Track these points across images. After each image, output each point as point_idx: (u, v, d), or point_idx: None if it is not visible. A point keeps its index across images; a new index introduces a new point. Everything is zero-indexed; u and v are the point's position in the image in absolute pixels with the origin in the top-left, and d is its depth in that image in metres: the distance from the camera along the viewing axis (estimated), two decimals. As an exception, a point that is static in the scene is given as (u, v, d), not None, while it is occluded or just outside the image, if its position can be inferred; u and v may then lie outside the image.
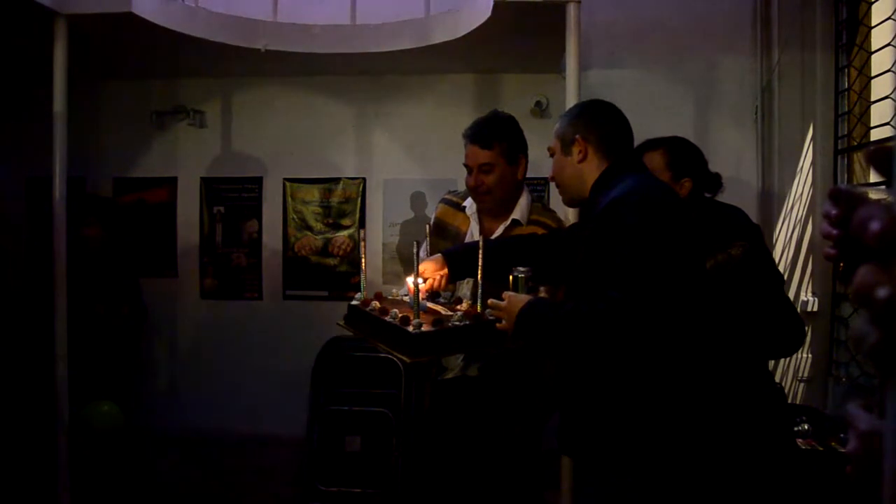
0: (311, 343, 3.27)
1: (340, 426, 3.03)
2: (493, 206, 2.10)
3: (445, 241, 2.14)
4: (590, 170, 1.61)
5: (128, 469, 2.95)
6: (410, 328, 1.54)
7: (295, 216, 3.56)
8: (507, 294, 1.57)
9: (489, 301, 1.58)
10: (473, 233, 2.14)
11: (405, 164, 3.50)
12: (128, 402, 2.91)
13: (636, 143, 2.90)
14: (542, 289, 1.61)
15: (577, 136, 1.62)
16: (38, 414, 2.63)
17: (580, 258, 1.56)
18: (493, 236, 2.08)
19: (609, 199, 1.48)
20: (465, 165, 2.09)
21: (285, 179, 3.56)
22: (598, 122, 1.64)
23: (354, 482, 2.97)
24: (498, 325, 1.57)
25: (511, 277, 1.62)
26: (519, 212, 2.10)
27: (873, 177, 2.56)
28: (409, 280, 1.70)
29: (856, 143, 2.76)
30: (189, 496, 3.28)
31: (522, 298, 1.52)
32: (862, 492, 0.42)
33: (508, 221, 2.10)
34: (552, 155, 1.71)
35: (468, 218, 2.17)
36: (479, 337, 1.66)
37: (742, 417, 1.70)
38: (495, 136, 2.07)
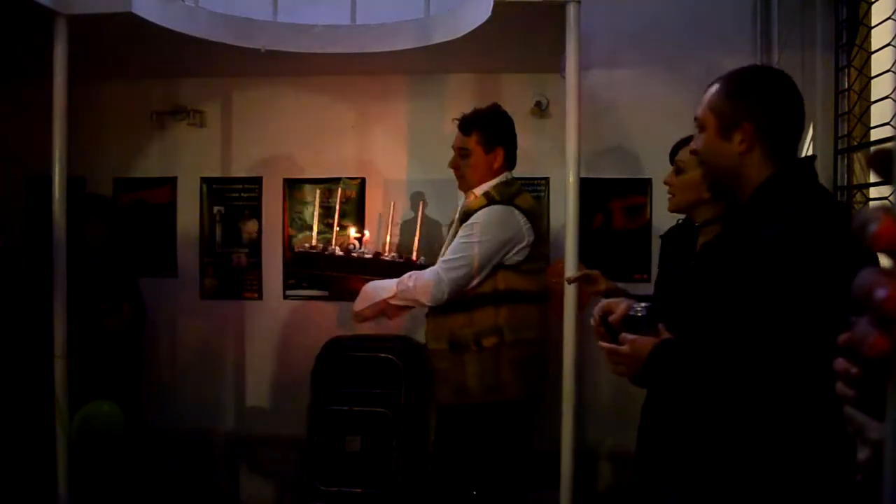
0: (311, 343, 3.26)
1: (340, 426, 3.02)
2: (466, 190, 2.41)
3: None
4: (751, 166, 1.32)
5: (127, 469, 2.95)
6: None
7: (295, 216, 3.56)
8: (627, 338, 1.36)
9: (605, 347, 1.41)
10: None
11: (405, 164, 3.50)
12: (128, 402, 2.91)
13: (638, 144, 2.93)
14: (660, 326, 1.40)
15: (746, 123, 1.30)
16: (37, 414, 2.62)
17: (716, 285, 1.33)
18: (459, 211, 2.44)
19: (776, 236, 1.21)
20: (453, 146, 2.41)
21: (285, 179, 3.56)
22: (776, 108, 1.32)
23: (354, 482, 2.97)
24: (615, 371, 1.40)
25: (625, 317, 1.41)
26: (479, 190, 2.36)
27: (873, 178, 2.56)
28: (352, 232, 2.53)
29: (856, 143, 2.76)
30: (189, 496, 3.29)
31: (647, 342, 1.33)
32: (873, 499, 0.42)
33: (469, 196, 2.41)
34: (701, 129, 1.39)
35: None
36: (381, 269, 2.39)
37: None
38: (476, 124, 2.33)
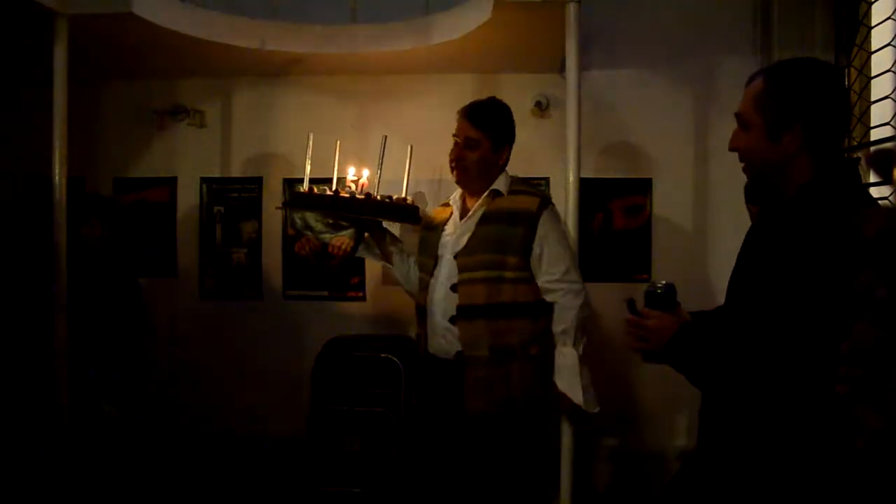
0: (311, 343, 3.26)
1: (340, 426, 3.03)
2: (468, 184, 2.25)
3: (429, 231, 2.36)
4: (798, 167, 1.27)
5: (127, 469, 2.94)
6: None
7: (295, 216, 3.56)
8: (653, 312, 1.37)
9: (629, 318, 1.40)
10: (455, 217, 2.30)
11: (405, 164, 3.49)
12: (127, 402, 2.90)
13: (638, 144, 2.92)
14: (679, 304, 1.40)
15: (797, 125, 1.25)
16: (38, 415, 2.62)
17: (749, 280, 1.32)
18: (473, 209, 2.22)
19: (814, 240, 1.17)
20: (455, 136, 2.23)
21: (285, 179, 3.56)
22: (826, 107, 1.26)
23: (354, 482, 2.97)
24: (636, 345, 1.39)
25: (645, 293, 1.41)
26: (499, 184, 2.22)
27: (873, 178, 2.56)
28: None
29: (856, 143, 2.76)
30: (189, 496, 3.28)
31: (673, 321, 1.34)
32: (869, 488, 0.42)
33: (488, 192, 2.20)
34: (745, 127, 1.32)
35: (450, 208, 2.33)
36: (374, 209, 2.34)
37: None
38: (489, 119, 2.20)
